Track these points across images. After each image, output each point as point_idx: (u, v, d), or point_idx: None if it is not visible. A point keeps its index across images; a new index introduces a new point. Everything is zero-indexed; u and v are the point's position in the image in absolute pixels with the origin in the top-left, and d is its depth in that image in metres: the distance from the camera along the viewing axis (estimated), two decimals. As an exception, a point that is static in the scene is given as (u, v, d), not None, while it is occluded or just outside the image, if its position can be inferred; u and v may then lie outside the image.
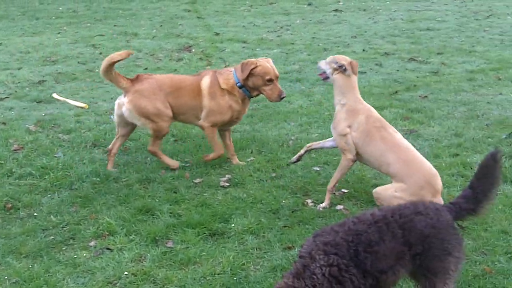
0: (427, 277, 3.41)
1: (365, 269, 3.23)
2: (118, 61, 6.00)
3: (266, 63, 6.05)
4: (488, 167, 3.52)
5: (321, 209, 5.29)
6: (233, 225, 5.00)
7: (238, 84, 6.05)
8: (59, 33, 14.91)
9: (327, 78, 5.50)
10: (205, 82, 6.16)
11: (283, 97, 6.13)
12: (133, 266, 4.44)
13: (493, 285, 4.09)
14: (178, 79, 6.39)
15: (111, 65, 5.96)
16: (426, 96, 8.59)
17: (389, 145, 5.10)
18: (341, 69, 5.31)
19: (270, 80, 5.99)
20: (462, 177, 5.80)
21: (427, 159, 5.24)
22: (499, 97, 8.49)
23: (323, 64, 5.52)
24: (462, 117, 7.62)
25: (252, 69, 5.94)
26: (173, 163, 6.22)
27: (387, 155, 5.06)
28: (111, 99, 8.77)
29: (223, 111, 6.11)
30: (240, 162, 6.32)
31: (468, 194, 3.57)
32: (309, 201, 5.47)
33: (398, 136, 5.25)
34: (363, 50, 12.03)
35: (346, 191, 5.64)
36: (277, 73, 6.11)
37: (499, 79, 9.41)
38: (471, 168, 5.94)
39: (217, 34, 14.35)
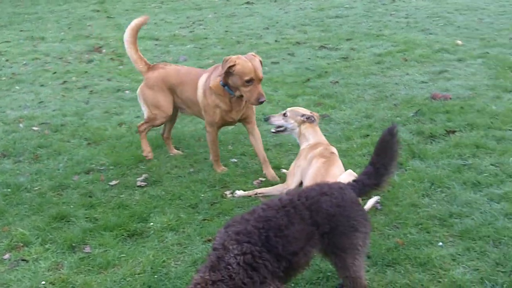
0: (337, 254, 3.50)
1: (277, 253, 3.28)
2: (140, 27, 6.43)
3: (247, 62, 5.46)
4: (386, 143, 3.64)
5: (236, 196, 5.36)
6: (152, 223, 4.97)
7: (221, 83, 5.63)
8: (-39, 42, 14.26)
9: (284, 131, 5.46)
10: (202, 79, 5.94)
11: (262, 101, 5.52)
12: (51, 275, 4.33)
13: (406, 256, 4.25)
14: (184, 72, 6.25)
15: (135, 33, 6.35)
16: (337, 82, 8.79)
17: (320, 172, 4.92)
18: (309, 120, 5.31)
19: (250, 81, 5.43)
20: (374, 156, 5.98)
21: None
22: (406, 77, 8.80)
23: (280, 120, 5.41)
24: (372, 99, 7.86)
25: (230, 67, 5.45)
26: (147, 153, 6.31)
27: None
28: (19, 107, 8.51)
29: (210, 110, 5.83)
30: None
31: (369, 171, 3.68)
32: (227, 192, 5.49)
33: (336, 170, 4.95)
34: (276, 40, 12.16)
35: (263, 179, 5.71)
36: (260, 74, 5.49)
37: (405, 60, 9.75)
38: (382, 147, 6.13)
39: (128, 33, 14.09)
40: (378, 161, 3.65)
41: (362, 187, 3.67)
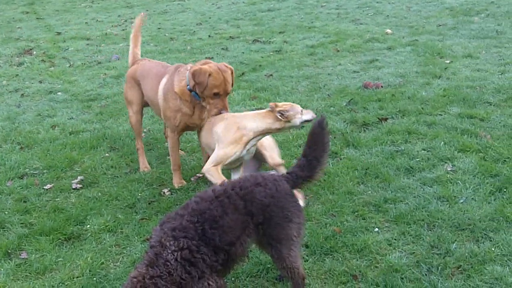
0: (272, 245, 3.54)
1: (215, 245, 3.29)
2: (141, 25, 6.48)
3: (219, 74, 5.23)
4: (317, 134, 3.70)
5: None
6: (88, 226, 4.89)
7: (188, 87, 5.35)
8: None
9: None
10: (163, 81, 5.61)
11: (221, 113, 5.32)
12: (-14, 284, 4.22)
13: (343, 243, 4.34)
14: (148, 68, 5.99)
15: (139, 32, 6.37)
16: (271, 75, 8.86)
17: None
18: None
19: (217, 94, 5.27)
20: (309, 147, 6.06)
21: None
22: (338, 67, 8.95)
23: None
24: (306, 91, 7.96)
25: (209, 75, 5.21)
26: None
27: None
28: None
29: (172, 114, 5.49)
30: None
31: (302, 163, 3.73)
32: (165, 190, 5.46)
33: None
34: (209, 36, 12.15)
35: (200, 175, 5.70)
36: (229, 89, 5.31)
37: (337, 51, 9.92)
38: (317, 138, 6.23)
39: (58, 33, 13.82)
40: (310, 153, 3.70)
41: (296, 178, 3.70)
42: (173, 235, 3.25)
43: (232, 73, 5.39)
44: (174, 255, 3.18)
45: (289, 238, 3.52)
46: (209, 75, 5.18)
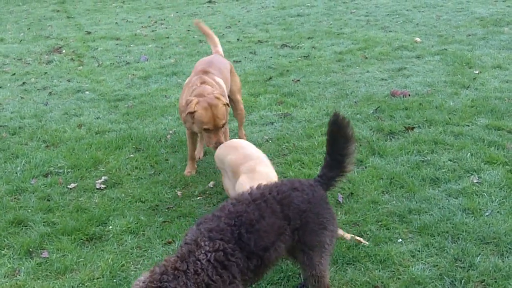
0: (305, 251, 3.48)
1: (249, 250, 3.24)
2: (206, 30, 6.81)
3: (208, 111, 5.25)
4: (335, 131, 3.59)
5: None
6: (111, 227, 4.90)
7: None
8: None
9: None
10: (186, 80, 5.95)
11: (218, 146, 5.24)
12: (7, 282, 4.24)
13: (366, 253, 4.27)
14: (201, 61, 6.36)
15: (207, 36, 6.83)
16: (298, 80, 8.81)
17: None
18: None
19: (207, 130, 5.31)
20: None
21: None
22: (366, 75, 8.87)
23: None
24: (333, 97, 7.90)
25: (190, 113, 5.32)
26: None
27: None
28: (-24, 109, 8.33)
29: (183, 119, 5.62)
30: None
31: (328, 162, 3.67)
32: (189, 193, 5.44)
33: None
34: (238, 39, 12.15)
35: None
36: (220, 123, 5.28)
37: (365, 58, 9.83)
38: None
39: (88, 33, 13.94)
40: (332, 151, 3.63)
41: (328, 180, 3.65)
42: (209, 236, 3.21)
43: (226, 105, 5.37)
44: (207, 256, 3.14)
45: (322, 246, 3.49)
46: (193, 112, 5.27)
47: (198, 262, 3.13)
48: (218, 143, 5.25)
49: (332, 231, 3.56)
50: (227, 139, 5.58)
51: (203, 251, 3.16)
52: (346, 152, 3.60)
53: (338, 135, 3.58)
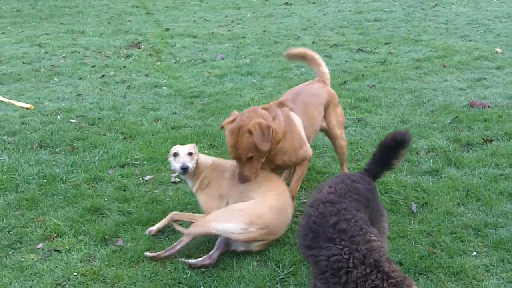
0: None
1: None
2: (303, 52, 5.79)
3: (231, 138, 4.42)
4: (396, 146, 3.64)
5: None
6: (184, 220, 4.98)
7: None
8: (2, 33, 14.60)
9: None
10: None
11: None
12: (82, 267, 4.38)
13: (439, 264, 4.18)
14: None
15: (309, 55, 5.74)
16: (373, 85, 8.72)
17: None
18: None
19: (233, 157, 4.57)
20: (408, 162, 5.91)
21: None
22: (444, 83, 8.68)
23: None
24: (409, 104, 7.77)
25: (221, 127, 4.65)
26: None
27: None
28: (57, 98, 8.66)
29: None
30: None
31: (377, 159, 3.75)
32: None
33: None
34: (313, 42, 12.12)
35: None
36: (241, 156, 4.41)
37: (444, 66, 9.62)
38: (417, 153, 6.09)
39: (167, 29, 14.26)
40: (383, 153, 3.72)
41: (374, 174, 3.78)
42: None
43: (249, 132, 4.31)
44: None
45: (383, 232, 3.59)
46: (222, 128, 4.66)
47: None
48: (241, 177, 4.50)
49: (386, 217, 3.72)
50: (256, 175, 4.55)
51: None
52: (398, 156, 3.71)
53: (397, 148, 3.66)
